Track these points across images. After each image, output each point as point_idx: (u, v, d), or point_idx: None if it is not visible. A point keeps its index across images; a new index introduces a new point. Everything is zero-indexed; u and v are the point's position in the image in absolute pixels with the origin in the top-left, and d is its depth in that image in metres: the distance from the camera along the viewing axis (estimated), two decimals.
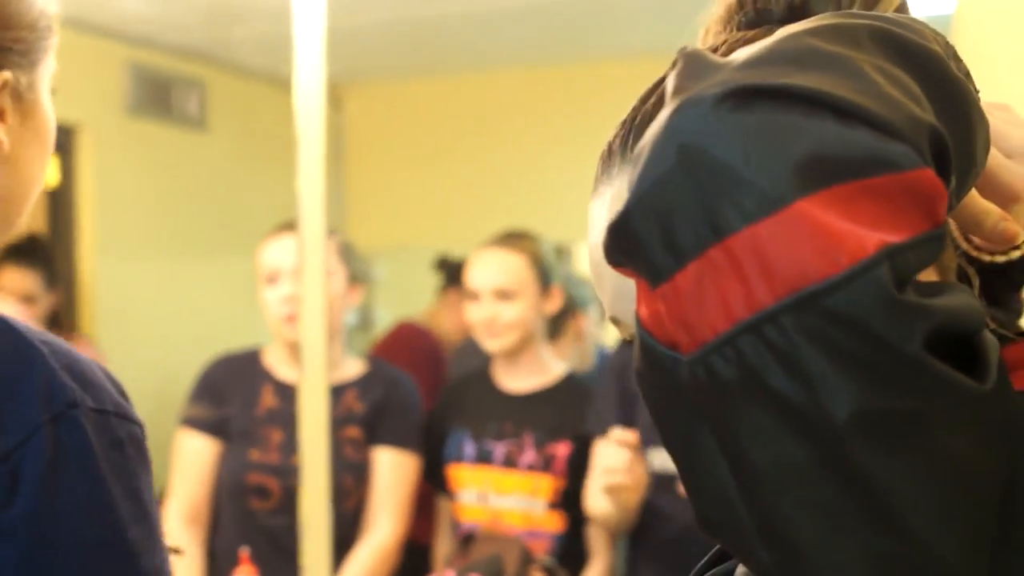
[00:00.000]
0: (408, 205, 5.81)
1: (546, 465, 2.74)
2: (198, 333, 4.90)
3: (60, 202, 4.65)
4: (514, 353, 2.83)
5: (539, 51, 5.47)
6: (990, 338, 0.63)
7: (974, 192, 0.73)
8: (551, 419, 2.78)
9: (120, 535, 1.03)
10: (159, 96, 4.97)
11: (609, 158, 0.86)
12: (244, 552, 2.53)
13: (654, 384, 0.65)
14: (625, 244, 0.64)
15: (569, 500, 2.73)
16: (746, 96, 0.61)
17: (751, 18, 0.89)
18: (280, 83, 5.21)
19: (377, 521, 2.83)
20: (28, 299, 3.93)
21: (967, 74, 0.72)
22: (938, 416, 0.59)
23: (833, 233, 0.58)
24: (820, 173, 0.59)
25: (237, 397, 2.90)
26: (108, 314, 4.30)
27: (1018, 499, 0.65)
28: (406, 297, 5.31)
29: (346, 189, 5.84)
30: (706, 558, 0.95)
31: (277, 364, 2.92)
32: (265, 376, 2.92)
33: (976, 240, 0.78)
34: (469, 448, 2.82)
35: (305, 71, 2.11)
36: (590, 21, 4.93)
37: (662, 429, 0.66)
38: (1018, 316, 1.35)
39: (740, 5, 0.90)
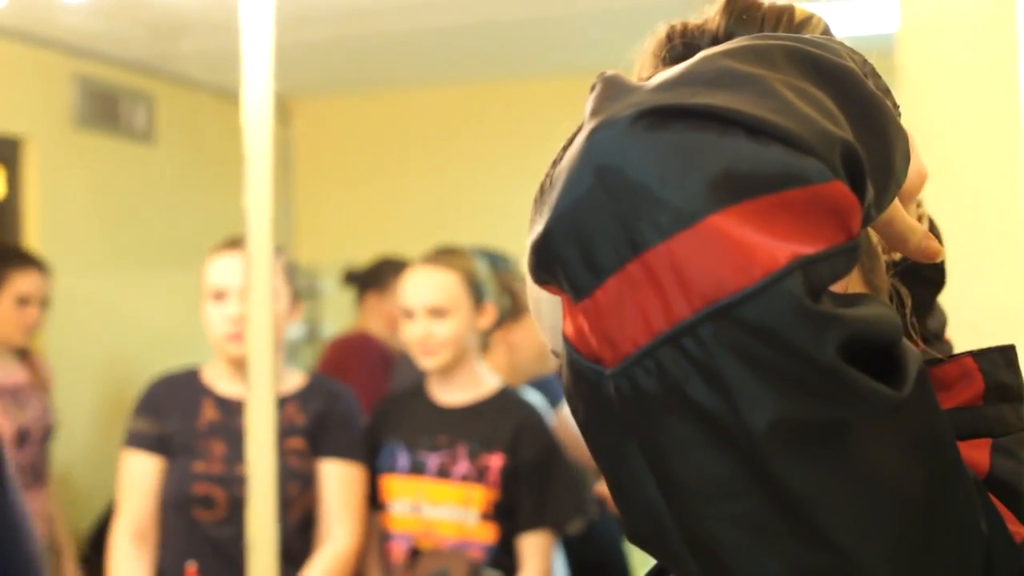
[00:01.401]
0: (355, 219, 5.82)
1: (479, 476, 2.76)
2: (144, 346, 4.89)
3: (5, 214, 4.62)
4: (449, 369, 2.85)
5: (485, 67, 5.51)
6: (910, 348, 0.65)
7: (900, 210, 0.75)
8: (485, 431, 2.80)
9: None
10: (106, 109, 4.96)
11: (542, 196, 0.84)
12: (191, 567, 2.53)
13: (582, 399, 0.66)
14: (547, 262, 0.65)
15: (502, 511, 2.75)
16: (661, 116, 0.63)
17: (678, 52, 0.91)
18: (228, 96, 5.21)
19: (332, 531, 2.84)
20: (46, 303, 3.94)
21: (886, 90, 0.74)
22: (856, 425, 0.60)
23: (745, 246, 0.59)
24: (732, 188, 0.60)
25: (177, 413, 2.90)
26: (53, 327, 4.28)
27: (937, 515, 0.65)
28: (353, 311, 5.33)
29: (293, 203, 5.85)
30: (650, 568, 0.96)
31: (217, 380, 2.93)
32: (205, 392, 2.92)
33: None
34: (403, 459, 2.83)
35: (253, 85, 2.12)
36: (534, 39, 4.97)
37: (591, 444, 0.67)
38: (943, 319, 1.40)
39: (668, 39, 0.92)
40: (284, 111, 5.77)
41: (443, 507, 2.77)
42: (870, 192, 0.65)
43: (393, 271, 4.28)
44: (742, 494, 0.60)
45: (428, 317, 2.80)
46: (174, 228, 5.18)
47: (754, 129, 0.62)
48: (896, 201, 0.74)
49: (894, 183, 0.70)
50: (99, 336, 4.72)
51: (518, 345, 3.35)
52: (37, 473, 3.89)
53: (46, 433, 3.93)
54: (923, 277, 0.90)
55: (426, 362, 2.84)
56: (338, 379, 3.85)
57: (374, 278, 4.51)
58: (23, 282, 3.89)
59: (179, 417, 2.89)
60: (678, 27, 0.92)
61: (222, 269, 2.86)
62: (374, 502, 2.90)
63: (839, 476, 0.60)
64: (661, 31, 0.93)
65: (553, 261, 0.64)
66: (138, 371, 5.01)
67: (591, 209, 0.62)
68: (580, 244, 0.63)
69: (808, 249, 0.60)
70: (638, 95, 0.65)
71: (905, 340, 0.65)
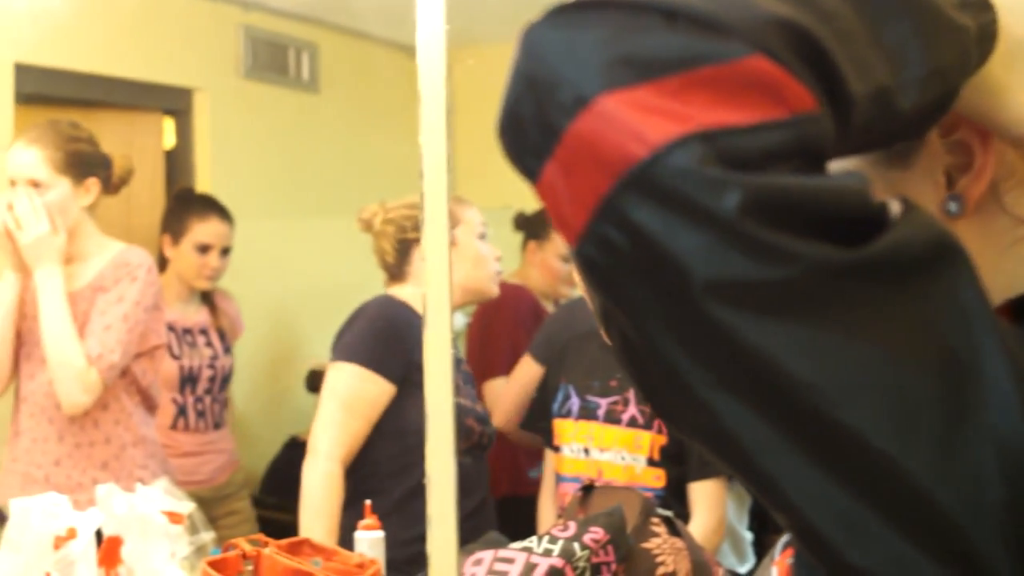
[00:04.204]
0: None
1: (647, 421, 2.76)
2: (311, 292, 4.98)
3: (177, 163, 4.75)
4: None
5: None
6: (913, 219, 0.66)
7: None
8: None
9: None
10: (273, 59, 5.04)
11: None
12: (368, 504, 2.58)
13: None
14: (506, 154, 0.70)
15: (670, 456, 2.75)
16: (577, 9, 0.67)
17: None
18: (391, 45, 5.26)
19: None
20: (226, 251, 4.08)
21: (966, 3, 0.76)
22: (805, 285, 0.62)
23: (639, 122, 0.63)
24: (633, 69, 0.64)
25: (419, 346, 2.98)
26: (225, 273, 4.38)
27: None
28: (511, 257, 5.35)
29: (455, 151, 5.88)
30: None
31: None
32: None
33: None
34: (574, 403, 2.85)
35: (426, 32, 2.14)
36: None
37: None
38: None
39: None
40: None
41: (611, 451, 2.78)
42: (842, 72, 0.66)
43: None
44: (695, 345, 0.64)
45: None
46: (340, 176, 5.25)
47: (666, 13, 0.65)
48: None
49: (926, 70, 0.72)
50: (268, 281, 4.82)
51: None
52: (215, 415, 4.01)
53: (222, 376, 4.04)
54: None
55: None
56: (484, 332, 3.90)
57: (536, 226, 4.49)
58: (205, 228, 4.01)
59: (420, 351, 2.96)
60: None
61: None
62: (550, 443, 2.93)
63: (807, 338, 0.63)
64: None
65: (508, 153, 0.70)
66: (305, 316, 5.11)
67: (519, 106, 0.68)
68: (519, 141, 0.68)
69: (713, 121, 0.63)
70: None
71: (911, 217, 0.66)
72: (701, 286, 0.62)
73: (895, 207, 0.66)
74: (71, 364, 3.01)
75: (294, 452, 4.63)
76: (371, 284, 3.24)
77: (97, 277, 3.13)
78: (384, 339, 2.92)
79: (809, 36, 0.66)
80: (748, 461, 0.66)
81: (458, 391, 3.04)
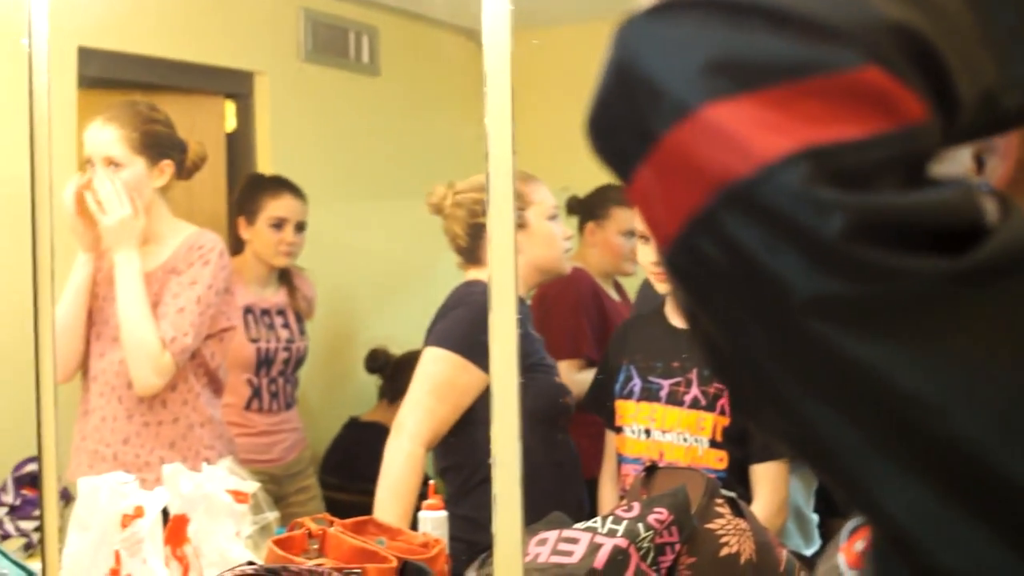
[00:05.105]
0: (572, 149, 5.82)
1: (710, 402, 2.76)
2: (371, 273, 5.00)
3: (239, 145, 4.78)
4: None
5: None
6: (1014, 221, 0.63)
7: None
8: None
9: None
10: (333, 42, 5.06)
11: None
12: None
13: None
14: (594, 149, 0.68)
15: (732, 438, 2.74)
16: (680, 6, 0.64)
17: None
18: (451, 27, 5.26)
19: None
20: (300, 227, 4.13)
21: None
22: (911, 301, 0.61)
23: (743, 136, 0.61)
24: (734, 77, 0.62)
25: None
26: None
27: None
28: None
29: (514, 132, 5.87)
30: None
31: None
32: None
33: None
34: (636, 384, 2.85)
35: (491, 14, 2.14)
36: None
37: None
38: None
39: None
40: None
41: (673, 432, 2.78)
42: (954, 77, 0.64)
43: (614, 199, 4.24)
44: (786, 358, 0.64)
45: None
46: (399, 158, 5.26)
47: (771, 16, 0.62)
48: None
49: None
50: (328, 263, 4.84)
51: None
52: (287, 395, 4.05)
53: (297, 358, 4.08)
54: None
55: (661, 286, 2.84)
56: (544, 315, 3.89)
57: (593, 207, 4.45)
58: (278, 204, 4.06)
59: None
60: None
61: None
62: (611, 425, 2.93)
63: (915, 353, 0.61)
64: None
65: (596, 151, 0.68)
66: (365, 297, 5.13)
67: (613, 104, 0.66)
68: (611, 139, 0.66)
69: (825, 137, 0.61)
70: None
71: (1011, 218, 0.64)
72: (800, 304, 0.62)
73: (991, 206, 0.64)
74: (146, 347, 3.04)
75: (354, 432, 4.66)
76: (431, 265, 3.26)
77: (170, 259, 3.17)
78: (482, 328, 2.94)
79: (922, 40, 0.63)
80: (840, 467, 0.65)
81: (551, 371, 3.05)
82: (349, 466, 4.37)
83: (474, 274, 3.08)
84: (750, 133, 0.61)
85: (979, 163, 0.83)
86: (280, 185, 4.13)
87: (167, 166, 3.20)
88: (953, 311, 0.62)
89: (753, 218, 0.61)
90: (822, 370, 0.63)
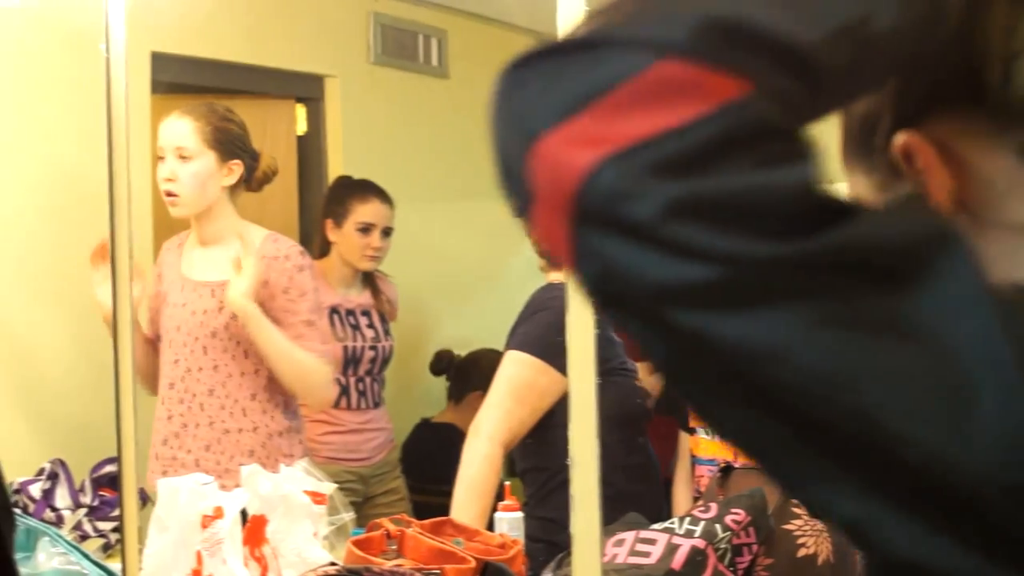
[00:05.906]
0: None
1: None
2: (444, 276, 5.01)
3: (310, 148, 4.81)
4: None
5: None
6: (894, 211, 0.67)
7: None
8: None
9: None
10: (402, 46, 5.08)
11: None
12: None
13: None
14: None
15: None
16: (529, 57, 0.68)
17: None
18: (520, 30, 5.26)
19: None
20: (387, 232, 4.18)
21: None
22: (745, 280, 0.62)
23: (566, 156, 0.64)
24: (563, 107, 0.65)
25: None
26: None
27: None
28: None
29: None
30: None
31: None
32: None
33: None
34: None
35: (567, 17, 2.14)
36: None
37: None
38: None
39: None
40: None
41: None
42: (774, 33, 0.65)
43: None
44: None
45: None
46: (469, 161, 5.27)
47: (585, 44, 0.67)
48: None
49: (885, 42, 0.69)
50: (399, 265, 4.86)
51: None
52: (375, 394, 4.07)
53: (383, 357, 4.11)
54: None
55: None
56: None
57: None
58: (366, 209, 4.09)
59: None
60: None
61: None
62: (685, 426, 2.93)
63: (767, 328, 0.62)
64: None
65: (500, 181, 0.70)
66: (436, 300, 5.15)
67: (498, 151, 0.69)
68: (506, 185, 0.69)
69: (640, 133, 0.63)
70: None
71: (894, 209, 0.68)
72: (650, 296, 0.64)
73: (877, 204, 0.67)
74: (309, 372, 3.15)
75: (426, 434, 4.68)
76: (502, 268, 3.26)
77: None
78: (561, 331, 2.95)
79: (723, 20, 0.65)
80: (764, 460, 0.67)
81: (631, 374, 3.05)
82: (421, 467, 4.39)
83: (555, 277, 3.09)
84: (570, 152, 0.64)
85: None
86: (368, 190, 4.16)
87: (236, 166, 3.21)
88: (800, 291, 0.63)
89: (597, 227, 0.64)
90: (703, 361, 0.65)
